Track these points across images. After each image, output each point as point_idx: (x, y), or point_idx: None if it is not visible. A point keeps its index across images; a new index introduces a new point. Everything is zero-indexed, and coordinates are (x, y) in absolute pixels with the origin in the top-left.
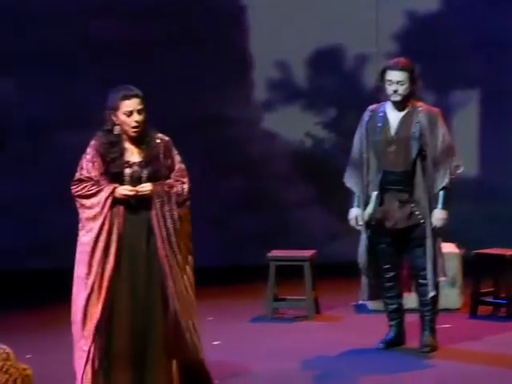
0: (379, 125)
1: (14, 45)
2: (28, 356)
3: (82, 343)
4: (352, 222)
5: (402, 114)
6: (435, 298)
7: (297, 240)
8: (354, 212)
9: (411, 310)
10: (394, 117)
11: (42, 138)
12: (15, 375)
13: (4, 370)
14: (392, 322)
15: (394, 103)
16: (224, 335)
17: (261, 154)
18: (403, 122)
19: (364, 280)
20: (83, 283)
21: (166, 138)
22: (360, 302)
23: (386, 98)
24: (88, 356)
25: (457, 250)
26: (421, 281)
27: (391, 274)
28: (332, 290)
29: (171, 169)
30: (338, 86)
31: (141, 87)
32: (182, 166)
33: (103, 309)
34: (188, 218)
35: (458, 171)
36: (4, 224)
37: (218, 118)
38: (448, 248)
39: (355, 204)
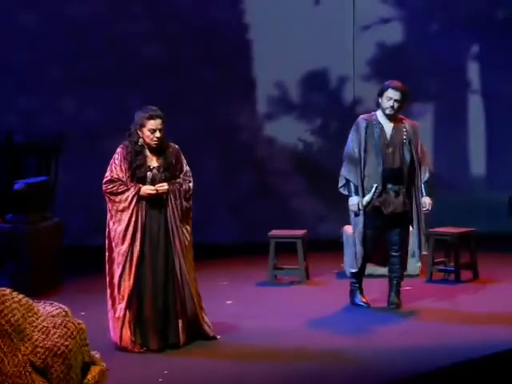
0: (377, 130)
1: (75, 67)
2: (82, 313)
3: (117, 309)
4: (354, 208)
5: (392, 124)
6: (405, 268)
7: (293, 221)
8: (356, 199)
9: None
10: (387, 126)
11: (95, 142)
12: (72, 329)
13: (63, 324)
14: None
15: (387, 115)
16: (235, 296)
17: (263, 155)
18: (395, 130)
19: (359, 252)
20: (116, 263)
21: (176, 147)
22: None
23: (382, 109)
24: (124, 320)
25: None
26: (393, 253)
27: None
28: (319, 260)
29: (181, 171)
30: (324, 101)
31: (169, 102)
32: (188, 168)
33: (133, 283)
34: (191, 209)
35: (431, 169)
36: (70, 209)
37: (230, 127)
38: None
39: (354, 193)
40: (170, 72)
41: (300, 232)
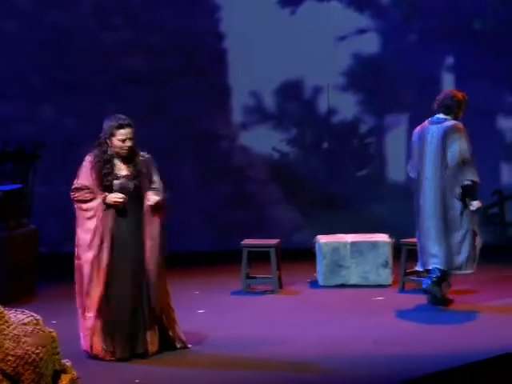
0: None
1: (54, 75)
2: (54, 321)
3: (87, 318)
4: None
5: None
6: None
7: (269, 230)
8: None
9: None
10: None
11: (73, 151)
12: (43, 337)
13: (34, 332)
14: None
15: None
16: (207, 305)
17: (239, 164)
18: None
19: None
20: (84, 271)
21: (148, 156)
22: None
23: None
24: (94, 328)
25: (388, 239)
26: None
27: None
28: (292, 270)
29: (150, 181)
30: (299, 111)
31: (147, 111)
32: (159, 178)
33: (102, 291)
34: (164, 220)
35: None
36: (46, 217)
37: (206, 136)
38: (382, 237)
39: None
40: (148, 81)
41: (273, 241)
